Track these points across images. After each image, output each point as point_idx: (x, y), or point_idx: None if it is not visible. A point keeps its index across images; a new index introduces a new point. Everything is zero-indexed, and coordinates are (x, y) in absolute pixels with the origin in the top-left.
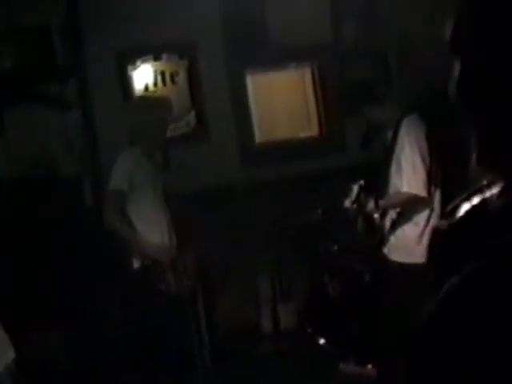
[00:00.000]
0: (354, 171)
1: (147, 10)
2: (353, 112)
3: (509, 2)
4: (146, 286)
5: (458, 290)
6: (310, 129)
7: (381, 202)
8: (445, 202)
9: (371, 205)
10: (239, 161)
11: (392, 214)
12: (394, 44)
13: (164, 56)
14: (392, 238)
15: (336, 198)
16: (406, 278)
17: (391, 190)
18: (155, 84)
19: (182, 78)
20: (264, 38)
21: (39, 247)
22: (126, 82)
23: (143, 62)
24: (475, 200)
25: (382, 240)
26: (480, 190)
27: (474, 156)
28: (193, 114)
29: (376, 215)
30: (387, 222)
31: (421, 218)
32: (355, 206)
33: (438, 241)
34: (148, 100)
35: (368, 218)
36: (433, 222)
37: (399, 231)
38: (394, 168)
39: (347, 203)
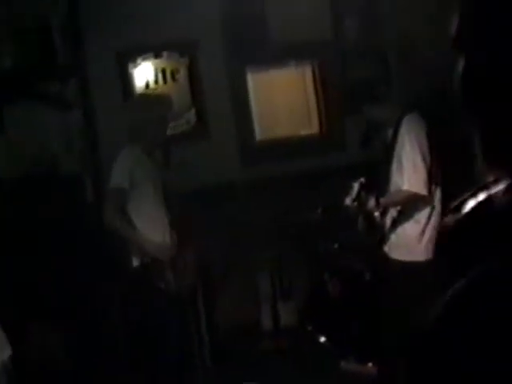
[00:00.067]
0: (354, 169)
1: (147, 9)
2: (353, 110)
3: (509, 2)
4: (145, 284)
5: (464, 293)
6: (310, 127)
7: (381, 200)
8: (445, 199)
9: (372, 203)
10: (239, 159)
11: (393, 212)
12: (394, 43)
13: (165, 54)
14: (392, 236)
15: (336, 196)
16: (407, 276)
17: (392, 188)
18: (156, 81)
19: (182, 75)
20: (264, 36)
21: (39, 247)
22: (127, 80)
23: (144, 59)
24: (481, 197)
25: (383, 238)
26: (486, 187)
27: (479, 154)
28: (193, 111)
29: (376, 213)
30: (388, 220)
31: (422, 215)
32: (356, 203)
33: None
34: (148, 98)
35: (368, 216)
36: (434, 219)
37: (400, 229)
38: (394, 166)
39: (348, 201)
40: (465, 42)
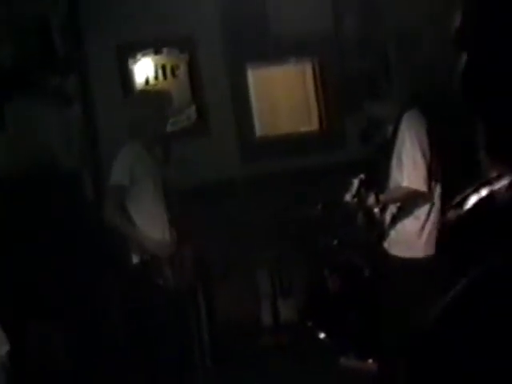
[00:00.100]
0: (354, 166)
1: (147, 4)
2: (353, 107)
3: (509, 2)
4: (144, 281)
5: (465, 292)
6: (310, 123)
7: (381, 197)
8: (445, 196)
9: (371, 199)
10: (239, 155)
11: (392, 209)
12: (395, 40)
13: (165, 50)
14: (392, 233)
15: (336, 193)
16: (406, 272)
17: (392, 184)
18: (156, 77)
19: (182, 71)
20: (264, 32)
21: (39, 246)
22: (127, 76)
23: (144, 55)
24: (483, 192)
25: (382, 234)
26: (488, 183)
27: (481, 150)
28: (193, 107)
29: (376, 209)
30: (387, 217)
31: (421, 212)
32: (355, 200)
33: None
34: (148, 94)
35: (368, 212)
36: (433, 216)
37: (399, 225)
38: (394, 162)
39: (348, 197)
40: (466, 39)
